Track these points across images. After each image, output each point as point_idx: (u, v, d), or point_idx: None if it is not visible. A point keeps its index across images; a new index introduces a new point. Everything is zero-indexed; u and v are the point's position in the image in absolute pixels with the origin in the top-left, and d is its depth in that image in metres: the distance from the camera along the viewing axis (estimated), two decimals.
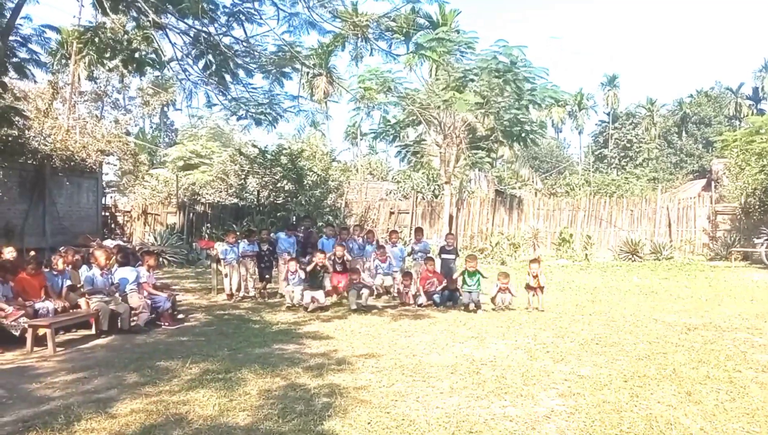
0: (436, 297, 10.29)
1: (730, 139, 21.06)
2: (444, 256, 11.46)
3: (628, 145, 62.18)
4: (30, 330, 7.09)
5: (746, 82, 63.23)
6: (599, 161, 63.97)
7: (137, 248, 12.55)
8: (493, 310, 9.70)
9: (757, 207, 19.46)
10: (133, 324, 8.31)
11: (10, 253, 8.80)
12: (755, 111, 55.73)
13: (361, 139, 46.85)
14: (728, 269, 16.61)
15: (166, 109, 54.24)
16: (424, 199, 25.40)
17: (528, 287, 10.05)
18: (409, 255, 12.25)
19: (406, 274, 10.90)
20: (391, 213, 24.28)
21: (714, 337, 7.46)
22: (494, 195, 24.12)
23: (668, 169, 54.75)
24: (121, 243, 14.27)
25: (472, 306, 9.68)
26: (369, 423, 4.31)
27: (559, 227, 22.12)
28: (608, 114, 66.66)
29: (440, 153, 19.47)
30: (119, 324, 8.14)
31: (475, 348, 6.92)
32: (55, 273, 8.57)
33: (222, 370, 5.87)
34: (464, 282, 9.96)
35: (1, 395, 5.24)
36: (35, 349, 7.08)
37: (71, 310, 8.12)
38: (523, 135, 18.48)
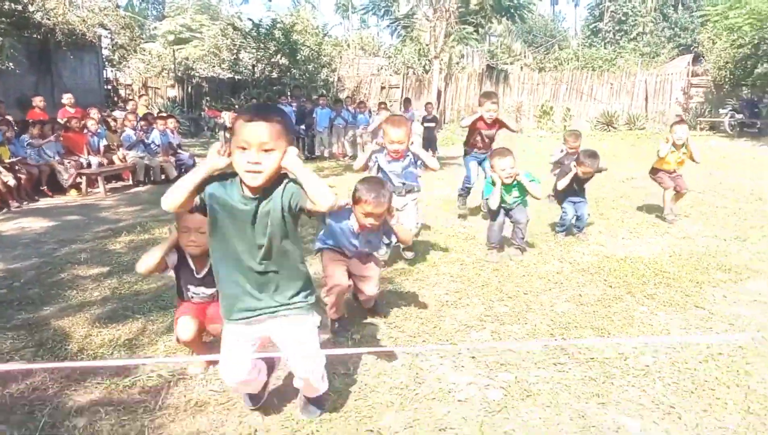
0: None
1: (712, 13, 21.54)
2: (426, 124, 12.89)
3: (624, 19, 60.97)
4: (84, 178, 8.63)
5: None
6: (594, 35, 63.04)
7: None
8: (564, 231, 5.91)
9: (727, 80, 20.56)
10: (162, 177, 9.86)
11: (41, 100, 10.78)
12: None
13: (352, 13, 46.02)
14: (693, 137, 17.98)
15: None
16: (414, 74, 26.14)
17: (658, 172, 6.42)
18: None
19: None
20: (382, 88, 25.18)
21: (646, 184, 8.98)
22: (484, 70, 24.91)
23: (661, 44, 54.31)
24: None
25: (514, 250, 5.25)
26: None
27: (541, 101, 23.24)
28: None
29: (429, 27, 20.07)
30: (152, 176, 9.69)
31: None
32: (90, 133, 9.91)
33: None
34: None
35: (83, 219, 6.85)
36: (88, 193, 8.68)
37: (110, 164, 9.62)
38: (512, 10, 19.08)
